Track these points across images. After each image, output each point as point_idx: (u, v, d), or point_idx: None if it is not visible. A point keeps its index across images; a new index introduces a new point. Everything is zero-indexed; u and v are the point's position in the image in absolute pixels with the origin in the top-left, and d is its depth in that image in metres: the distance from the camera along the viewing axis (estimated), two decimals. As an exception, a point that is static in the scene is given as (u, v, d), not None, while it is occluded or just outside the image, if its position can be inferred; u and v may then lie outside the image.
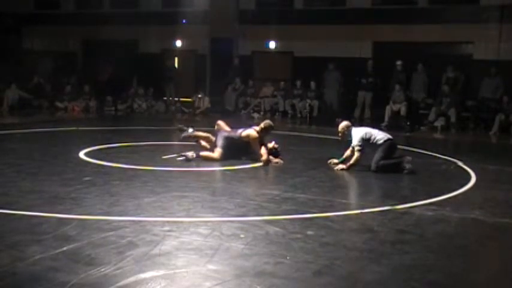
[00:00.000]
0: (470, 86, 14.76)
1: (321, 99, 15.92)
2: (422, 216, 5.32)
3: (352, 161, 7.73)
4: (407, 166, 7.68)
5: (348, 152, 7.94)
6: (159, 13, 18.91)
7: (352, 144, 7.81)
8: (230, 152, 8.10)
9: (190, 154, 7.96)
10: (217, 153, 8.05)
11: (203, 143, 8.56)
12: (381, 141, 7.81)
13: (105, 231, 4.41)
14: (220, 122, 8.69)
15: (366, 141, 7.79)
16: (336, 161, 8.05)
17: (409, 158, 7.88)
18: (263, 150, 8.04)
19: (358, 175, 7.61)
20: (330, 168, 7.84)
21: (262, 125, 8.32)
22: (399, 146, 9.06)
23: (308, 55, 16.78)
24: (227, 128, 8.53)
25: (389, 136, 8.02)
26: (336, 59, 15.84)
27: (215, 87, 17.63)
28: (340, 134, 8.08)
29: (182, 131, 8.80)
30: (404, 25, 15.74)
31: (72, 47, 20.84)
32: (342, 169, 7.72)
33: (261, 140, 8.20)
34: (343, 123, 8.12)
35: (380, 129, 8.64)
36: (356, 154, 7.71)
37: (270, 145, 8.32)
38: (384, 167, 7.63)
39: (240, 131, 8.27)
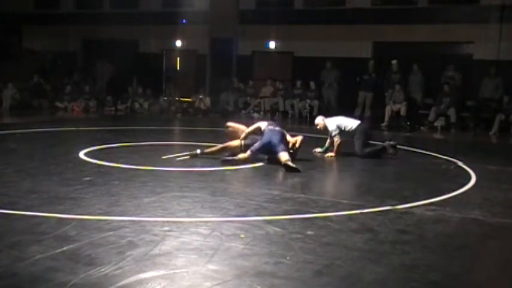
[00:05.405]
0: (470, 86, 14.77)
1: (320, 98, 15.92)
2: (422, 216, 5.31)
3: (335, 147, 8.57)
4: (391, 151, 8.59)
5: (329, 141, 8.84)
6: (159, 13, 18.92)
7: (330, 131, 8.71)
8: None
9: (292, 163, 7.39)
10: (287, 155, 7.65)
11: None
12: (354, 128, 8.65)
13: (105, 231, 4.40)
14: (232, 124, 8.63)
15: (341, 130, 8.65)
16: (319, 149, 8.88)
17: (391, 143, 8.72)
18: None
19: (358, 175, 7.60)
20: (330, 168, 7.86)
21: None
22: (399, 146, 9.08)
23: (308, 55, 16.79)
24: (243, 127, 8.36)
25: (358, 122, 8.92)
26: (336, 59, 15.85)
27: (215, 87, 17.63)
28: (318, 127, 8.94)
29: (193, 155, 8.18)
30: (404, 25, 15.75)
31: (72, 47, 20.85)
32: (332, 156, 8.51)
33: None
34: (319, 117, 9.13)
35: (352, 117, 9.57)
36: (335, 139, 8.60)
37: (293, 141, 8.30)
38: (370, 154, 8.53)
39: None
